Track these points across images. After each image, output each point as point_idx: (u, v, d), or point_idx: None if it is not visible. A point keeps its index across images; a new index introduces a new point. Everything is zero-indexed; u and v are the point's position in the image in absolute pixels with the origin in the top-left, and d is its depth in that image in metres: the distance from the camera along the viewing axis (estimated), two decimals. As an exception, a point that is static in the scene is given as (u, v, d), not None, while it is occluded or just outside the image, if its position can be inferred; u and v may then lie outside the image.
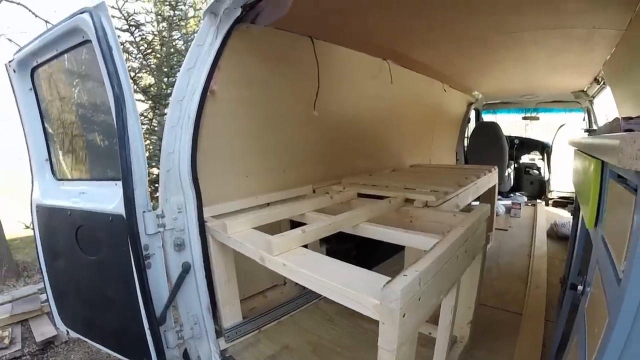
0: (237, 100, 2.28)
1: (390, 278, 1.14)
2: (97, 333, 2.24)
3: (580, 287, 1.26)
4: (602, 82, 4.18)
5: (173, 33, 6.37)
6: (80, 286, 2.23)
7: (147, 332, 1.84)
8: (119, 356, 2.15)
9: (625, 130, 2.06)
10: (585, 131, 3.01)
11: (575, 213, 2.36)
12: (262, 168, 2.52)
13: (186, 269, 2.00)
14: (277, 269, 1.55)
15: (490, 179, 3.52)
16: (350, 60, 3.01)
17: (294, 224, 1.99)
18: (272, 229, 1.99)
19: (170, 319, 2.00)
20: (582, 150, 1.43)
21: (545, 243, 3.97)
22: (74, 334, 2.37)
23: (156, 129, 5.60)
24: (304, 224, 1.91)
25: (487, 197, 3.67)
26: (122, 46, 2.42)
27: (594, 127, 5.36)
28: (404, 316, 1.08)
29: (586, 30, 2.54)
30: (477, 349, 2.16)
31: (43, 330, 3.59)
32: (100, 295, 2.10)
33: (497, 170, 3.78)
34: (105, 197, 1.94)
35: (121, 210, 1.76)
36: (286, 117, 2.63)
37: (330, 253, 2.27)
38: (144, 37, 5.74)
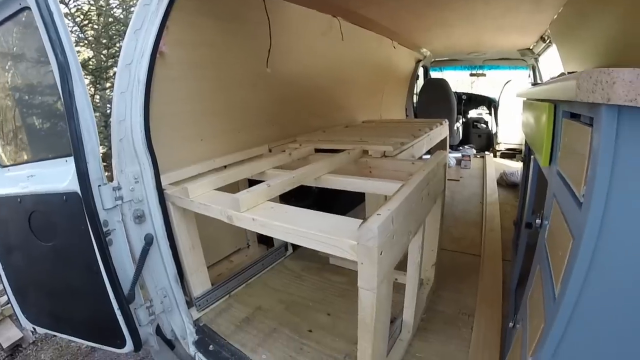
0: (188, 62, 2.19)
1: (362, 220, 1.16)
2: (66, 324, 2.12)
3: (538, 222, 1.32)
4: (548, 41, 4.36)
5: (111, 0, 5.97)
6: (41, 277, 2.10)
7: (117, 312, 1.79)
8: (91, 344, 2.09)
9: None
10: (532, 85, 3.15)
11: (525, 160, 2.49)
12: (217, 131, 2.46)
13: (149, 241, 1.94)
14: (246, 225, 1.54)
15: (441, 131, 3.62)
16: (301, 17, 2.94)
17: (252, 184, 1.92)
18: (232, 190, 1.95)
19: (139, 295, 1.94)
20: (534, 98, 1.51)
21: (496, 191, 4.18)
22: (41, 330, 2.25)
23: (99, 105, 5.32)
24: (264, 182, 1.88)
25: (439, 149, 3.78)
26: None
27: (539, 82, 5.61)
28: (381, 254, 1.12)
29: None
30: (442, 290, 2.29)
31: (8, 335, 3.40)
32: (64, 282, 1.99)
33: (447, 123, 3.89)
34: (56, 177, 1.81)
35: (75, 187, 1.66)
36: (238, 78, 2.56)
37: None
38: (79, 7, 5.36)
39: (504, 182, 4.49)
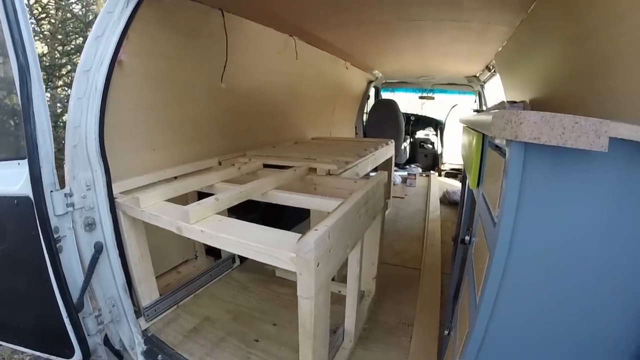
0: (145, 73, 2.24)
1: (301, 235, 1.28)
2: (11, 332, 2.04)
3: (468, 238, 1.47)
4: (493, 70, 4.70)
5: (70, -3, 5.78)
6: (-13, 284, 2.02)
7: (66, 321, 1.76)
8: (38, 354, 2.03)
9: None
10: (474, 111, 3.44)
11: (463, 181, 2.71)
12: (169, 141, 2.51)
13: (99, 249, 1.93)
14: (195, 237, 1.60)
15: (387, 151, 3.85)
16: (258, 35, 3.05)
17: (201, 197, 1.98)
18: (182, 201, 2.01)
19: (88, 304, 1.91)
20: (469, 126, 1.68)
21: (439, 208, 4.45)
22: (-17, 338, 2.14)
23: (49, 103, 5.13)
24: (212, 194, 1.93)
25: (384, 168, 4.00)
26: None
27: (483, 108, 6.02)
28: (318, 265, 1.24)
29: (482, 25, 2.85)
30: (383, 301, 2.43)
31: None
32: (10, 288, 1.93)
33: (393, 143, 4.12)
34: (7, 180, 1.77)
35: (27, 191, 1.64)
36: (193, 90, 2.63)
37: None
38: (38, -1, 5.14)
39: (447, 200, 4.77)
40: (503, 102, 2.73)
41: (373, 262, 2.21)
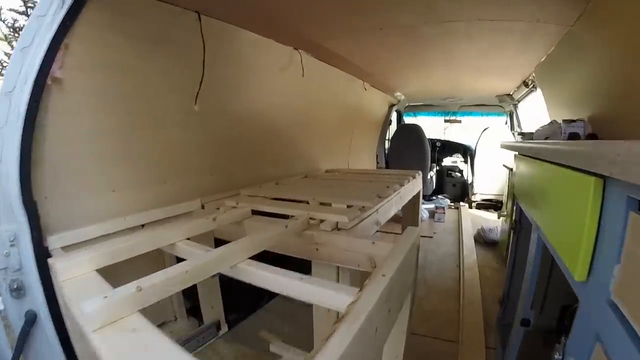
0: (96, 92, 1.73)
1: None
2: None
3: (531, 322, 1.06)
4: (532, 86, 4.10)
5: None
6: None
7: None
8: None
9: (571, 135, 1.82)
10: (519, 134, 2.83)
11: (515, 227, 2.09)
12: (133, 180, 2.00)
13: (30, 319, 1.48)
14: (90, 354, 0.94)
15: (414, 185, 3.23)
16: (252, 46, 2.53)
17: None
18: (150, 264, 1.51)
19: None
20: (554, 160, 1.11)
21: (474, 251, 3.78)
22: None
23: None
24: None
25: (410, 206, 3.39)
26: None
27: (519, 130, 5.40)
28: None
29: (528, 25, 2.30)
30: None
31: None
32: None
33: (421, 175, 3.50)
34: None
35: None
36: (165, 113, 2.10)
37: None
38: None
39: (482, 239, 4.11)
40: (555, 121, 2.17)
41: (397, 355, 1.57)
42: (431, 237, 4.44)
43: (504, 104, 5.73)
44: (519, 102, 5.24)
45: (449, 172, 6.69)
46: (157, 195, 2.11)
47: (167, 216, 2.11)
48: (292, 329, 2.46)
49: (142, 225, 1.99)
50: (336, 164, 4.40)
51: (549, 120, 3.44)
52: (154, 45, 1.91)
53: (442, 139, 6.93)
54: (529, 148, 1.60)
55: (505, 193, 3.65)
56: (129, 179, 1.97)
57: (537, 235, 1.40)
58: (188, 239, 1.65)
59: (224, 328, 2.45)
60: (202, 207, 2.31)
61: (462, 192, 6.55)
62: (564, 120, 1.95)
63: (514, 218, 2.14)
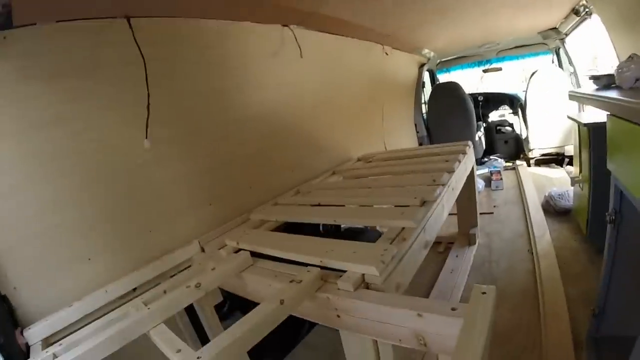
0: (29, 159, 1.39)
1: None
2: None
3: None
4: (585, 12, 3.34)
5: None
6: None
7: None
8: None
9: None
10: (592, 78, 2.13)
11: (615, 219, 1.48)
12: (110, 241, 1.62)
13: None
14: None
15: (467, 162, 2.60)
16: (224, 37, 2.01)
17: None
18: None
19: None
20: None
21: (546, 227, 3.10)
22: None
23: None
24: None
25: (466, 193, 2.78)
26: None
27: (571, 69, 4.61)
28: None
29: None
30: None
31: None
32: None
33: (471, 146, 2.86)
34: None
35: None
36: (126, 156, 1.64)
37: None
38: None
39: (552, 208, 3.43)
40: (634, 55, 1.60)
41: None
42: (492, 213, 3.78)
43: (549, 41, 4.90)
44: (567, 35, 4.43)
45: (498, 127, 5.90)
46: (144, 249, 1.71)
47: (158, 273, 1.70)
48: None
49: (134, 289, 1.63)
50: (370, 147, 3.78)
51: (612, 53, 2.72)
52: (86, 79, 1.45)
53: (484, 91, 6.11)
54: (637, 111, 1.04)
55: (576, 150, 2.92)
56: (104, 241, 1.60)
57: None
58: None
59: None
60: (202, 249, 1.85)
61: (516, 148, 5.77)
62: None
63: (612, 206, 1.50)
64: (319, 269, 1.24)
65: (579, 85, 4.49)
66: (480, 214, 3.64)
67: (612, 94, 1.54)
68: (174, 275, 1.72)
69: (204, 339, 1.82)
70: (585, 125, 2.43)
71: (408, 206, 1.63)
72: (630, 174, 1.28)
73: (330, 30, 2.71)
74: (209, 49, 1.92)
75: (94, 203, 1.55)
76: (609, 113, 1.50)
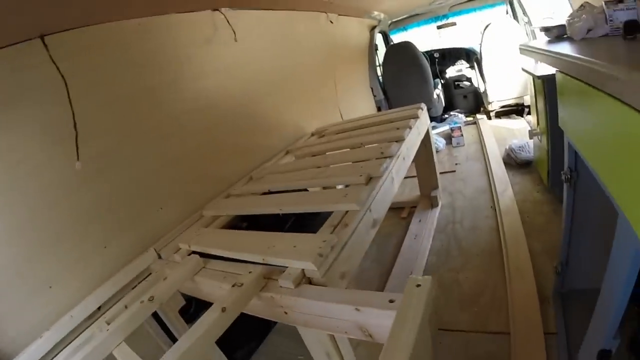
0: None
1: None
2: None
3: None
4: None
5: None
6: None
7: None
8: None
9: (628, 26, 1.18)
10: (543, 30, 2.10)
11: (570, 178, 1.49)
12: (68, 262, 1.56)
13: None
14: None
15: (420, 126, 2.61)
16: (151, 32, 1.91)
17: None
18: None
19: None
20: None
21: (508, 181, 3.18)
22: None
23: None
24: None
25: (422, 155, 2.81)
26: None
27: (526, 20, 4.61)
28: None
29: None
30: None
31: None
32: None
33: (425, 109, 2.87)
34: None
35: None
36: (68, 176, 1.57)
37: None
38: None
39: (513, 161, 3.50)
40: (588, 3, 1.54)
41: None
42: (454, 171, 3.84)
43: None
44: None
45: (456, 83, 5.94)
46: (102, 267, 1.66)
47: (119, 287, 1.66)
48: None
49: (99, 308, 1.59)
50: (326, 119, 3.76)
51: (565, 3, 2.70)
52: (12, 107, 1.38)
53: (440, 48, 6.08)
54: (583, 68, 1.00)
55: (533, 102, 2.94)
56: (62, 266, 1.55)
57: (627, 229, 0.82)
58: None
59: None
60: (159, 256, 1.82)
61: (476, 102, 5.83)
62: (607, 2, 1.31)
63: (567, 165, 1.52)
64: (261, 268, 1.23)
65: (534, 37, 4.51)
66: (442, 173, 3.71)
67: (562, 47, 1.51)
68: (135, 286, 1.70)
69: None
70: (539, 77, 2.45)
71: (354, 185, 1.63)
72: (580, 133, 1.28)
73: (267, 6, 2.62)
74: (133, 49, 1.82)
75: (44, 228, 1.50)
76: (556, 70, 1.48)
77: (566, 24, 1.65)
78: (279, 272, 1.19)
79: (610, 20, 1.32)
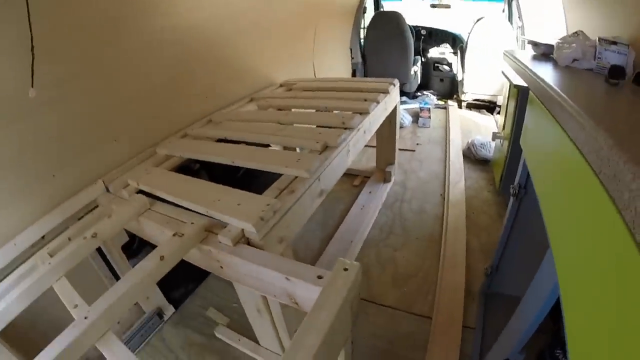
0: None
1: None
2: None
3: None
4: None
5: None
6: None
7: None
8: None
9: (613, 70, 1.17)
10: (529, 43, 2.12)
11: (516, 191, 1.58)
12: (14, 188, 1.54)
13: None
14: None
15: (388, 103, 2.66)
16: None
17: None
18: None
19: None
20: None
21: (462, 174, 3.32)
22: None
23: None
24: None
25: (385, 129, 2.86)
26: None
27: (519, 24, 4.59)
28: None
29: None
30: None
31: None
32: None
33: (397, 85, 2.89)
34: None
35: None
36: (20, 100, 1.50)
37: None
38: None
39: (472, 155, 3.64)
40: (582, 33, 1.53)
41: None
42: (413, 150, 3.95)
43: None
44: None
45: (436, 64, 5.96)
46: (49, 196, 1.66)
47: (65, 217, 1.66)
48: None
49: (43, 237, 1.59)
50: (298, 72, 3.76)
51: (562, 22, 2.68)
52: None
53: (428, 26, 6.05)
54: (554, 101, 0.99)
55: (504, 106, 3.02)
56: (8, 191, 1.52)
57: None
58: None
59: (169, 311, 2.15)
60: (107, 189, 1.82)
61: (450, 88, 5.89)
62: (601, 39, 1.32)
63: (517, 181, 1.60)
64: (204, 220, 1.28)
65: (523, 46, 4.55)
66: (401, 149, 3.80)
67: (544, 69, 1.49)
68: (81, 217, 1.71)
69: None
70: (516, 86, 2.50)
71: (308, 151, 1.67)
72: (535, 157, 1.33)
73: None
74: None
75: None
76: (529, 89, 1.47)
77: (555, 47, 1.63)
78: (220, 227, 1.25)
79: (599, 58, 1.31)
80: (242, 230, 1.20)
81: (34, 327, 1.59)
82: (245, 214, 1.22)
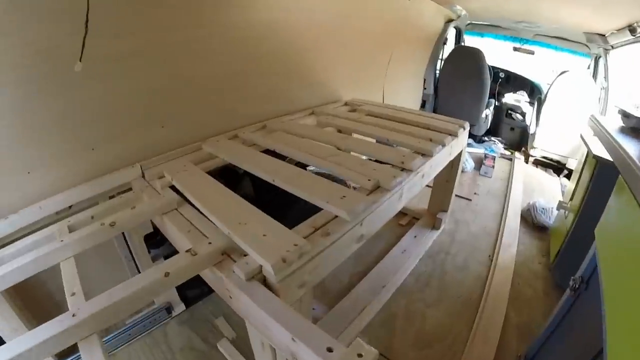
0: None
1: None
2: None
3: None
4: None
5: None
6: None
7: None
8: None
9: None
10: (620, 112, 1.90)
11: (576, 285, 1.35)
12: (51, 153, 1.57)
13: None
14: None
15: (454, 147, 2.46)
16: None
17: None
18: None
19: None
20: None
21: (517, 237, 3.05)
22: None
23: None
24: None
25: (445, 174, 2.68)
26: None
27: (603, 84, 4.30)
28: None
29: None
30: None
31: None
32: None
33: (467, 128, 2.69)
34: None
35: None
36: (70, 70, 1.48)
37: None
38: None
39: (530, 218, 3.35)
40: None
41: None
42: (470, 199, 3.71)
43: (592, 45, 4.53)
44: (613, 47, 4.07)
45: (509, 111, 5.70)
46: (85, 167, 1.68)
47: (96, 193, 1.66)
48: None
49: (70, 207, 1.61)
50: (366, 93, 3.63)
51: None
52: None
53: (508, 69, 5.79)
54: None
55: (577, 173, 2.74)
56: (45, 155, 1.56)
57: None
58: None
59: (180, 308, 2.10)
60: (143, 175, 1.79)
61: (520, 139, 5.61)
62: None
63: (580, 273, 1.37)
64: (223, 242, 1.18)
65: (605, 107, 4.26)
66: (457, 196, 3.58)
67: (636, 147, 1.34)
68: (112, 196, 1.70)
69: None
70: (595, 157, 2.14)
71: (356, 188, 1.53)
72: (612, 254, 1.13)
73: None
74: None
75: (36, 115, 1.46)
76: (620, 175, 1.27)
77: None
78: (239, 254, 1.15)
79: None
80: (261, 266, 1.08)
81: (42, 288, 1.60)
82: (267, 250, 1.09)
